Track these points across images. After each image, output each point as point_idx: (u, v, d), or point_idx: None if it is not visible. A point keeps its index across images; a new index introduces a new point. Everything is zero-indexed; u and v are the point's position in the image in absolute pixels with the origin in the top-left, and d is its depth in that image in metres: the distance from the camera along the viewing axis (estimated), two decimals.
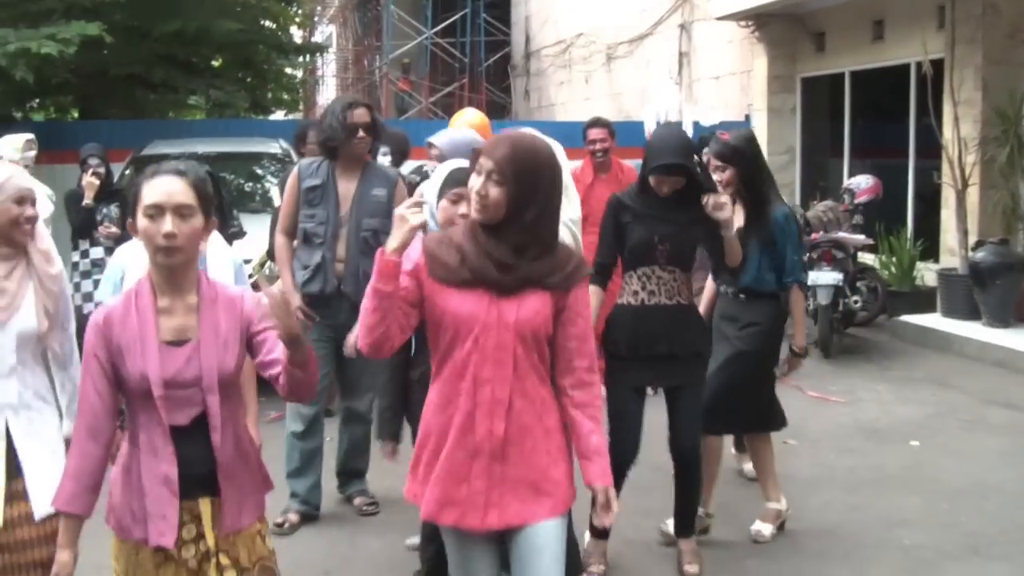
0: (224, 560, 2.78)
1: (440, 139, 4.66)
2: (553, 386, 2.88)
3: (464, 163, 3.42)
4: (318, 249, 5.09)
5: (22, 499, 3.12)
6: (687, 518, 4.65)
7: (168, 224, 2.64)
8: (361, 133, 5.09)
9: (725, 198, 4.34)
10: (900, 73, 11.43)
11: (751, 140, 5.10)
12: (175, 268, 2.72)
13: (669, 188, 4.31)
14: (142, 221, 2.68)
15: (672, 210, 4.33)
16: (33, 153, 7.28)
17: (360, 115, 5.10)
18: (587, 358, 2.89)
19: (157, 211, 2.65)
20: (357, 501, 5.41)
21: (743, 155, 4.91)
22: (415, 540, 4.42)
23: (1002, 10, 9.76)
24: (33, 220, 3.19)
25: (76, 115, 19.40)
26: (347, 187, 5.15)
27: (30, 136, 7.45)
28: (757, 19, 13.16)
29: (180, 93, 16.77)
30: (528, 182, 2.75)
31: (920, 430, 6.72)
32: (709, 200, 4.25)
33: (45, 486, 3.07)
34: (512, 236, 2.77)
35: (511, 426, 2.78)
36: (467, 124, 5.72)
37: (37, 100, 18.59)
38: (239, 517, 2.80)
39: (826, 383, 8.01)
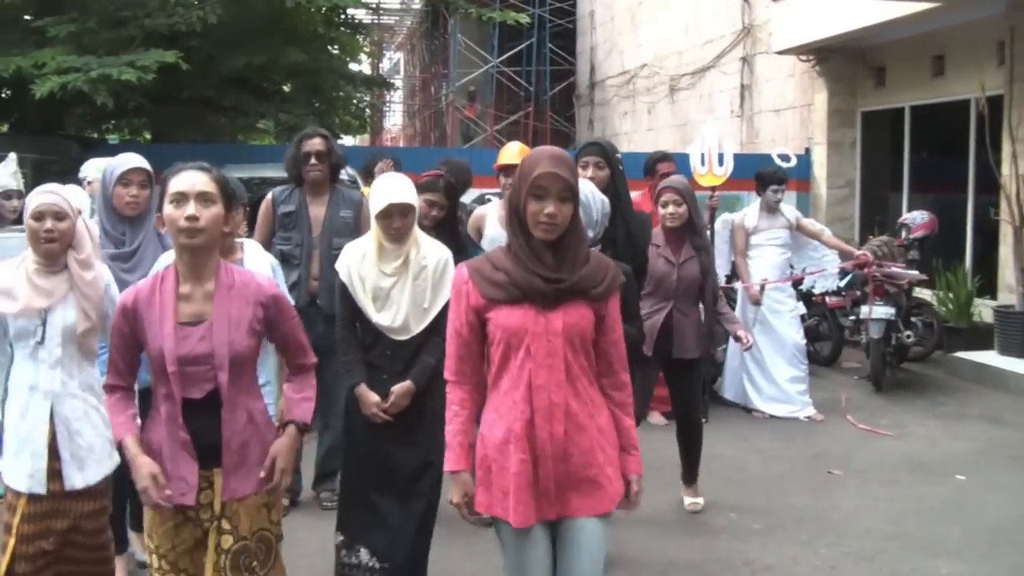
0: (225, 525, 3.05)
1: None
2: None
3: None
4: (295, 269, 5.55)
5: (57, 478, 3.50)
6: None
7: (191, 208, 2.96)
8: (313, 160, 5.61)
9: None
10: (960, 109, 11.43)
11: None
12: (198, 253, 3.03)
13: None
14: (168, 208, 3.01)
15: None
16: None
17: (312, 144, 5.64)
18: (623, 360, 3.12)
19: (182, 198, 2.99)
20: (323, 495, 5.68)
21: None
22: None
23: None
24: (53, 233, 3.49)
25: (148, 137, 19.98)
26: (317, 211, 5.67)
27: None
28: (818, 53, 13.26)
29: (250, 117, 17.27)
30: (577, 195, 2.96)
31: (967, 465, 6.75)
32: None
33: (84, 465, 3.51)
34: (563, 250, 2.94)
35: (569, 426, 2.94)
36: (511, 153, 6.01)
37: (113, 122, 19.19)
38: (240, 486, 3.07)
39: (876, 416, 8.04)
